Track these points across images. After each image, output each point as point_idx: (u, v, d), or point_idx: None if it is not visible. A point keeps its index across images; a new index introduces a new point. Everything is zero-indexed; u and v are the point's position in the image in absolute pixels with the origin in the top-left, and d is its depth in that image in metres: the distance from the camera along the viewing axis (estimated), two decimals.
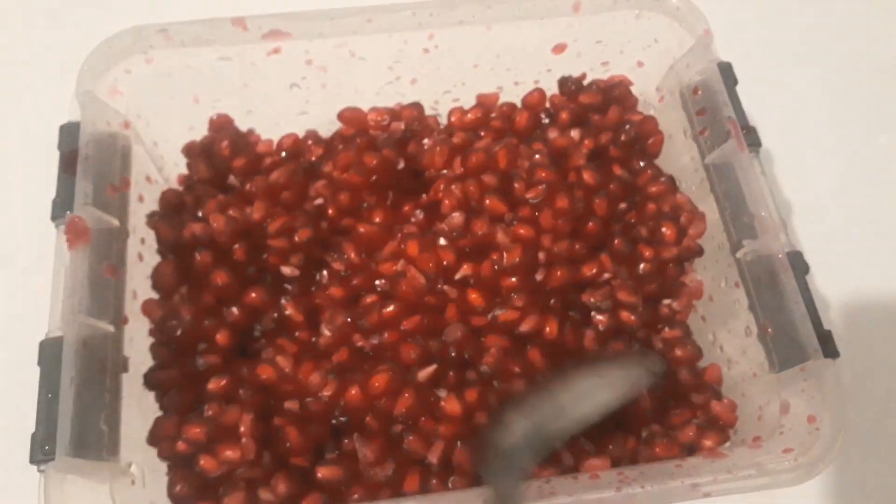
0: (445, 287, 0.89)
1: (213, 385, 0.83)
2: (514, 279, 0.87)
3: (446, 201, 0.92)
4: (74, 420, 0.70)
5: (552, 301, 0.89)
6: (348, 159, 0.95)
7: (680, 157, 0.97)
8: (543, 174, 0.91)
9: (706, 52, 0.91)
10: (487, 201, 0.91)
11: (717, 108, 0.88)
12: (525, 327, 0.86)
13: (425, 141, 0.99)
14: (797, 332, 0.75)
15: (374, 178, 0.95)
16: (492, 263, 0.88)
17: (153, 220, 0.92)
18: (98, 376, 0.75)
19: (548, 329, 0.86)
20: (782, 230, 0.81)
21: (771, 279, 0.79)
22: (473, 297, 0.87)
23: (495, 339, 0.85)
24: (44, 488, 0.67)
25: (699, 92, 0.92)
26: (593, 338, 0.88)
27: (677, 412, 0.86)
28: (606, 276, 0.90)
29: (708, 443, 0.83)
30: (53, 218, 0.80)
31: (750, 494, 0.71)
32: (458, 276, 0.89)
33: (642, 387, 0.81)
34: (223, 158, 0.98)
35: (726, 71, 0.90)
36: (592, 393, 0.76)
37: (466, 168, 0.94)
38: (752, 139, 0.86)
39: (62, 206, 0.80)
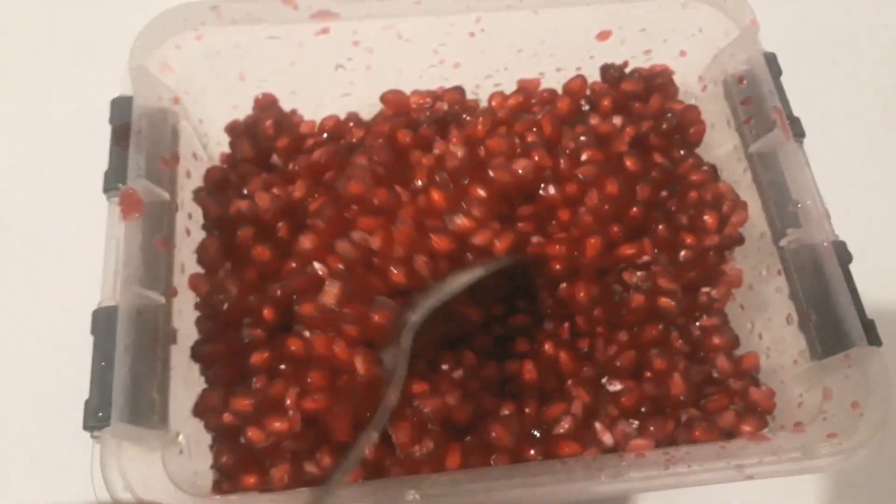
0: None
1: (257, 358, 0.84)
2: None
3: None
4: (128, 387, 0.71)
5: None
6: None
7: (721, 146, 0.98)
8: (592, 154, 0.92)
9: (752, 42, 0.92)
10: (536, 156, 0.90)
11: (763, 98, 0.89)
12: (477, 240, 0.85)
13: (466, 117, 1.00)
14: (841, 320, 0.76)
15: None
16: None
17: (200, 195, 0.93)
18: (150, 346, 0.76)
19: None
20: (827, 219, 0.82)
21: (815, 268, 0.80)
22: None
23: None
24: (99, 454, 0.68)
25: (744, 81, 0.92)
26: (631, 313, 0.90)
27: (715, 398, 0.87)
28: (646, 258, 0.91)
29: (746, 428, 0.84)
30: (106, 190, 0.81)
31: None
32: None
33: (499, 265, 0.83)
34: (267, 138, 0.99)
35: (772, 61, 0.91)
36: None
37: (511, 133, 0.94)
38: (796, 129, 0.87)
39: (114, 178, 0.81)
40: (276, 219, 0.91)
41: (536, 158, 0.90)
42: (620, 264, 0.93)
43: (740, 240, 0.93)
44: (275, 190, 0.92)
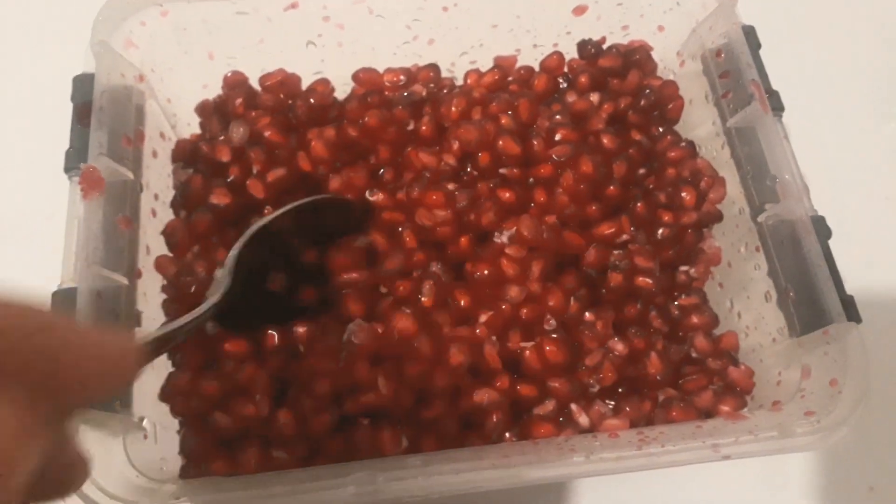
0: None
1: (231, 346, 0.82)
2: None
3: (455, 141, 0.90)
4: None
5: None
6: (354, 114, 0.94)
7: (700, 122, 0.96)
8: (566, 133, 0.90)
9: (730, 14, 0.90)
10: (500, 142, 0.88)
11: (741, 71, 0.87)
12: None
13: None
14: (820, 296, 0.75)
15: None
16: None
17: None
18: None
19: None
20: (805, 194, 0.80)
21: (793, 243, 0.78)
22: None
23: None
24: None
25: (722, 55, 0.90)
26: (609, 293, 0.88)
27: (693, 378, 0.85)
28: (625, 237, 0.89)
29: (725, 408, 0.82)
30: (67, 169, 0.79)
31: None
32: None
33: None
34: (236, 117, 0.97)
35: (750, 34, 0.89)
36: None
37: (485, 116, 0.92)
38: (775, 103, 0.85)
39: (76, 157, 0.79)
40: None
41: (500, 144, 0.88)
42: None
43: (718, 216, 0.92)
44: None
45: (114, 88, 0.83)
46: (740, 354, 0.88)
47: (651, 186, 0.94)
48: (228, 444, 0.78)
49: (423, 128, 0.93)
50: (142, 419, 0.76)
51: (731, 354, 0.88)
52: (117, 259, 0.78)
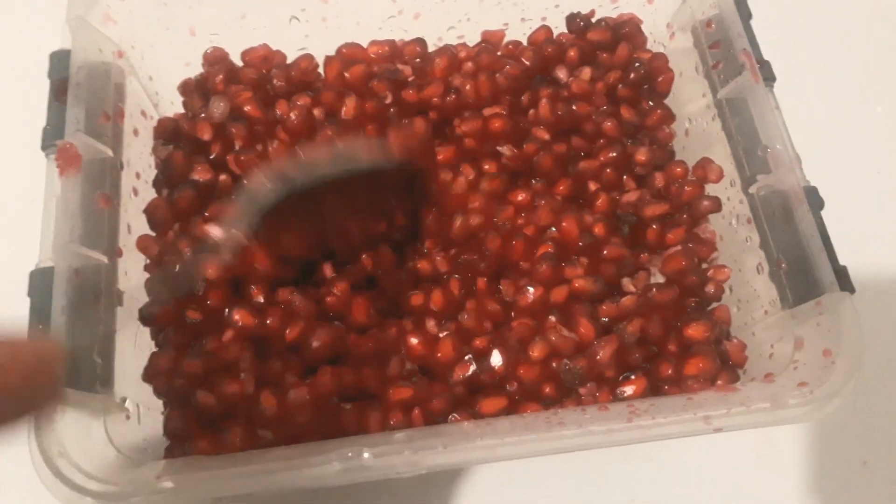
0: None
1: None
2: None
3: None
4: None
5: None
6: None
7: (690, 96, 0.94)
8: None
9: None
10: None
11: (732, 41, 0.85)
12: None
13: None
14: (813, 267, 0.73)
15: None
16: None
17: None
18: (91, 307, 0.73)
19: None
20: (797, 164, 0.78)
21: (785, 214, 0.77)
22: None
23: None
24: (34, 419, 0.65)
25: (713, 25, 0.89)
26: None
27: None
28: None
29: (718, 382, 0.81)
30: (44, 147, 0.77)
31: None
32: None
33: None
34: (217, 94, 0.95)
35: (741, 4, 0.88)
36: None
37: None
38: (766, 73, 0.84)
39: (53, 134, 0.77)
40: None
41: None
42: None
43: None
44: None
45: (91, 64, 0.82)
46: (732, 328, 0.87)
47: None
48: (213, 423, 0.77)
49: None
50: (123, 399, 0.75)
51: (724, 328, 0.86)
52: (96, 237, 0.76)
